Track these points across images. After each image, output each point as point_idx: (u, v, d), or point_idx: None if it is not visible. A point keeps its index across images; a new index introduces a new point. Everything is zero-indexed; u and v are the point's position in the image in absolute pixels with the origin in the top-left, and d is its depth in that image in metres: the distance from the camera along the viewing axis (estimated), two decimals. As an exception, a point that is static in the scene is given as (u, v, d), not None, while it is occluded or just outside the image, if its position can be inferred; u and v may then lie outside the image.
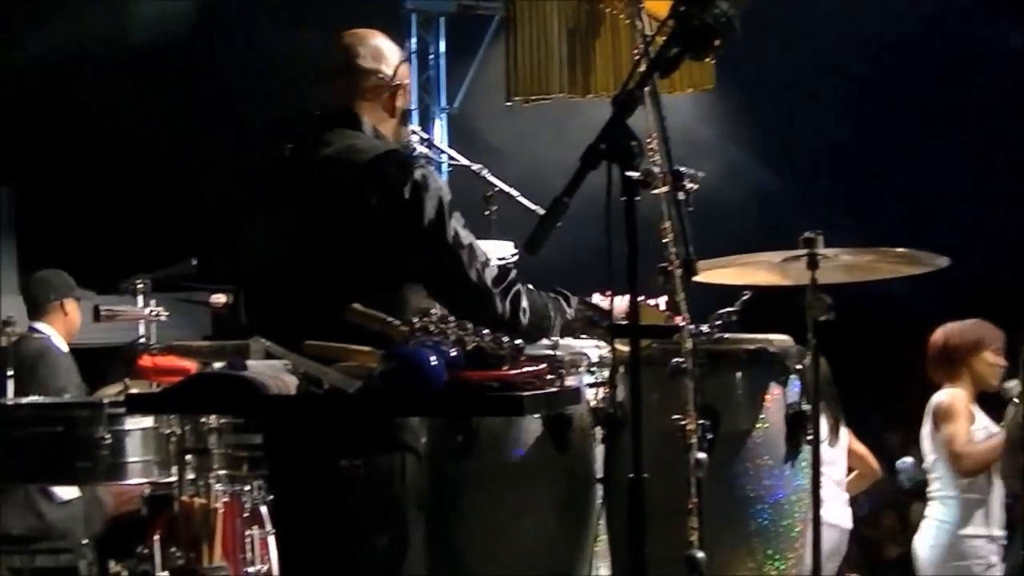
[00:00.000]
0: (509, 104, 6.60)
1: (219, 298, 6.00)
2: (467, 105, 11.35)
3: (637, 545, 2.94)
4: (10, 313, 7.01)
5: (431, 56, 11.49)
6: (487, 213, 5.63)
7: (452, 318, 3.48)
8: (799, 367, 4.20)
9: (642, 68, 3.06)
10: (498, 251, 4.83)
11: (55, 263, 7.49)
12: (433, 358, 3.20)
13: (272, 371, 3.41)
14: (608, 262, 2.98)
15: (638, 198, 2.97)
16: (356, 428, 3.62)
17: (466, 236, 3.92)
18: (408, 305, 3.81)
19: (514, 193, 5.46)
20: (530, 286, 4.06)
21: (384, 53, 4.10)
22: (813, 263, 4.04)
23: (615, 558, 4.24)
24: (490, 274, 3.92)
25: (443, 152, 5.46)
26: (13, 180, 11.69)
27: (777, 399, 4.16)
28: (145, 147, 10.62)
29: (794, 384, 4.20)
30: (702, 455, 3.51)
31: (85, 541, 6.65)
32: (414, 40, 11.39)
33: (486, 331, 3.44)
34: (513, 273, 4.00)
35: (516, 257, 4.89)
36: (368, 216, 3.83)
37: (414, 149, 4.71)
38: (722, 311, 4.17)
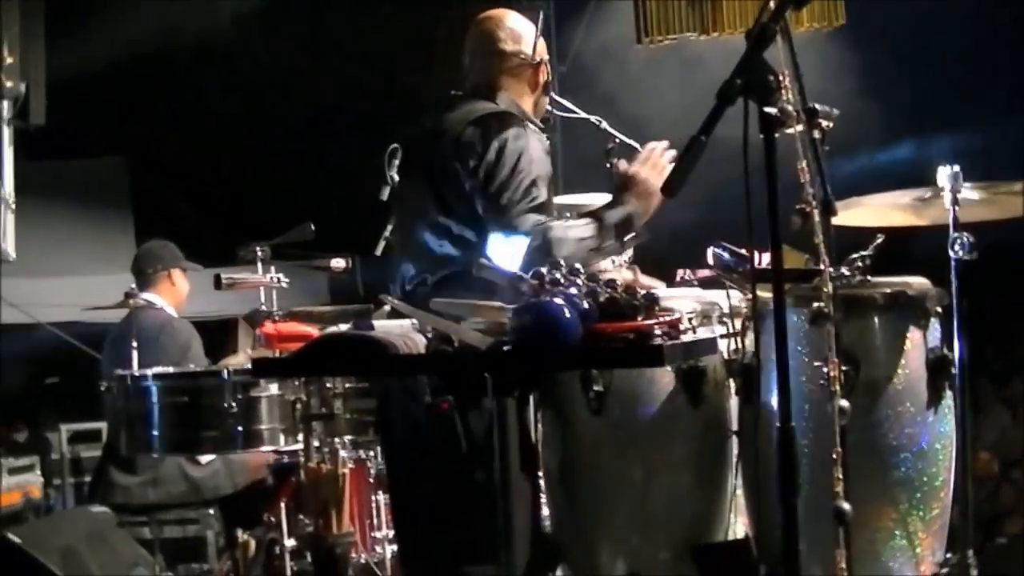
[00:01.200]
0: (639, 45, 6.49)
1: (339, 263, 5.99)
2: (578, 64, 11.24)
3: (788, 497, 2.81)
4: (131, 285, 7.04)
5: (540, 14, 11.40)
6: (608, 166, 5.56)
7: (582, 269, 3.39)
8: (939, 310, 4.03)
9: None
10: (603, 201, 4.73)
11: (171, 234, 7.54)
12: (567, 310, 3.11)
13: (400, 330, 3.35)
14: (746, 204, 2.86)
15: (776, 135, 2.83)
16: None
17: (538, 202, 4.03)
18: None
19: (635, 145, 5.37)
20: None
21: (522, 33, 4.34)
22: (954, 199, 3.87)
23: (752, 513, 4.13)
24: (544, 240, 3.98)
25: (564, 106, 5.37)
26: (128, 151, 11.85)
27: (917, 344, 4.01)
28: (260, 115, 10.67)
29: (935, 328, 4.05)
30: (845, 403, 3.37)
31: (212, 511, 6.70)
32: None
33: (618, 281, 3.35)
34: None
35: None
36: (470, 176, 4.05)
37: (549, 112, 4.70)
38: (855, 255, 4.03)
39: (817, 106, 3.37)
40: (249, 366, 5.52)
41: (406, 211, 4.30)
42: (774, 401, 4.01)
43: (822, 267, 3.32)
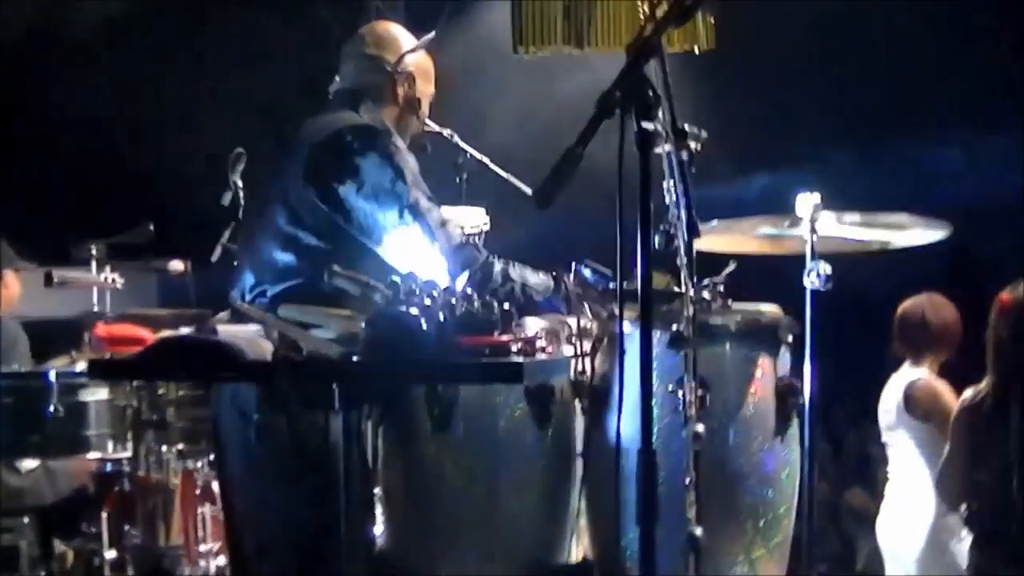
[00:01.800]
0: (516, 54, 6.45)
1: (176, 265, 5.81)
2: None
3: (647, 522, 2.74)
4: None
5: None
6: (458, 180, 5.50)
7: (438, 283, 3.31)
8: (790, 339, 4.03)
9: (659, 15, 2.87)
10: (469, 218, 4.67)
11: (4, 229, 7.24)
12: (423, 322, 3.02)
13: (247, 336, 3.22)
14: (618, 220, 2.79)
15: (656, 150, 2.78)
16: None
17: (428, 208, 3.97)
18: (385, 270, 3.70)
19: (485, 160, 5.30)
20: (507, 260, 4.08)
21: (391, 41, 4.26)
22: (812, 229, 3.86)
23: (595, 536, 4.07)
24: (450, 245, 3.97)
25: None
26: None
27: (767, 371, 4.01)
28: (97, 111, 10.38)
29: (784, 356, 4.05)
30: (701, 427, 3.33)
31: (26, 520, 6.43)
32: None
33: (475, 295, 3.27)
34: (481, 250, 4.05)
35: (487, 225, 4.72)
36: (325, 188, 3.91)
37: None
38: (706, 281, 4.01)
39: (686, 126, 3.34)
40: (77, 369, 5.30)
41: (252, 219, 4.16)
42: (621, 424, 4.02)
43: (683, 289, 3.26)
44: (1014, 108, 9.86)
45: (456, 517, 4.00)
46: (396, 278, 3.31)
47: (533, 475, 3.98)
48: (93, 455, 5.49)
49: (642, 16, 3.15)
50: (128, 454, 5.35)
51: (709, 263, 4.31)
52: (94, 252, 5.77)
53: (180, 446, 5.32)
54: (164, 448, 5.33)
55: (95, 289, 5.69)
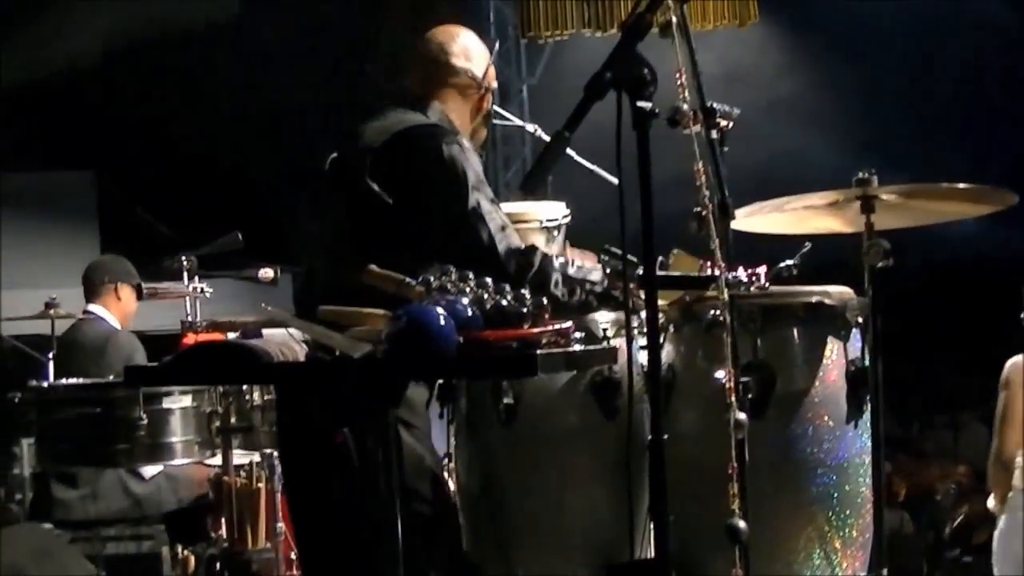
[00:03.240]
0: (516, 51, 6.37)
1: (267, 272, 5.86)
2: (547, 75, 11.11)
3: (658, 514, 2.66)
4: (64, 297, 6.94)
5: (510, 27, 11.29)
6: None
7: (471, 276, 3.25)
8: (860, 320, 3.88)
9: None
10: (549, 211, 4.60)
11: (136, 247, 7.46)
12: (442, 317, 2.96)
13: (281, 339, 3.20)
14: (620, 203, 2.71)
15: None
16: (359, 395, 3.40)
17: (489, 211, 3.87)
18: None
19: (572, 153, 5.23)
20: (567, 258, 3.97)
21: (479, 54, 4.14)
22: (868, 206, 3.71)
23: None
24: (509, 248, 3.85)
25: (497, 113, 5.25)
26: (95, 165, 11.78)
27: (837, 355, 3.87)
28: (222, 125, 10.61)
29: (855, 339, 3.90)
30: (742, 416, 3.22)
31: (162, 527, 6.56)
32: (492, 11, 11.24)
33: (507, 288, 3.20)
34: (539, 251, 3.90)
35: (568, 218, 4.65)
36: (390, 186, 3.83)
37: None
38: (781, 264, 3.89)
39: (715, 105, 3.24)
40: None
41: (321, 220, 4.14)
42: (689, 415, 3.94)
43: (717, 273, 3.16)
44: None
45: (526, 513, 3.98)
46: (430, 274, 3.26)
47: (602, 469, 3.92)
48: (180, 461, 5.57)
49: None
50: (217, 460, 5.41)
51: (780, 245, 4.21)
52: (185, 263, 5.85)
53: (267, 450, 5.36)
54: (251, 453, 5.37)
55: (186, 300, 5.78)
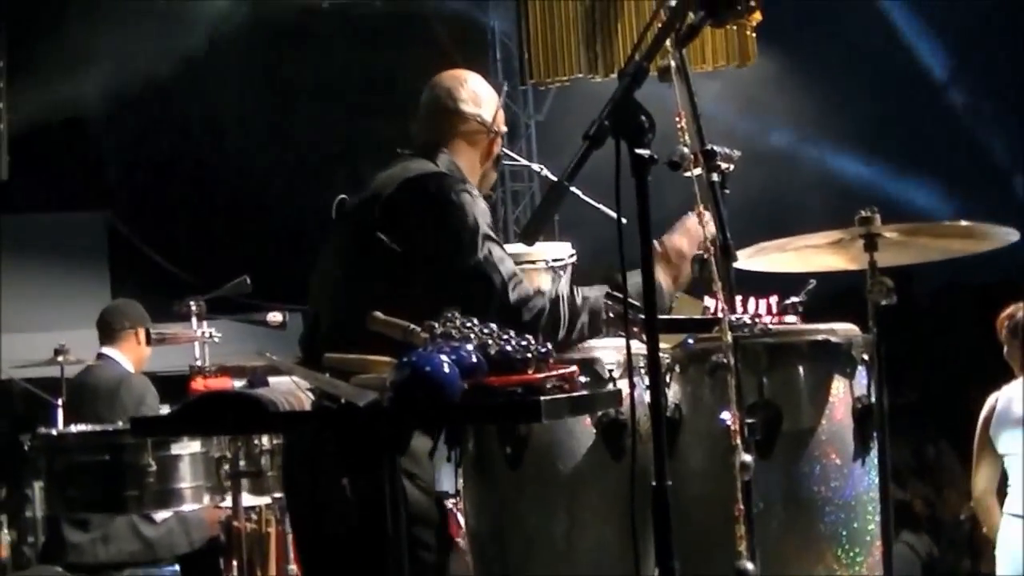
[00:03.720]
0: (523, 88, 6.42)
1: (275, 317, 5.88)
2: (554, 112, 11.16)
3: (663, 560, 2.66)
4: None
5: (516, 65, 11.34)
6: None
7: (476, 321, 3.26)
8: (866, 358, 3.89)
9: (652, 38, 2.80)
10: (554, 252, 4.61)
11: (147, 289, 7.50)
12: (447, 364, 2.97)
13: (287, 387, 3.22)
14: (619, 247, 2.73)
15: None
16: (363, 445, 3.40)
17: (501, 258, 3.85)
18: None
19: (577, 192, 5.24)
20: (569, 290, 3.95)
21: (487, 99, 4.12)
22: (871, 244, 3.72)
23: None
24: (519, 296, 3.83)
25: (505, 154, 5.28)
26: (108, 206, 11.85)
27: (843, 393, 3.88)
28: (236, 169, 10.66)
29: (861, 376, 3.90)
30: (747, 457, 3.22)
31: (175, 568, 6.57)
32: (499, 50, 11.31)
33: (512, 333, 3.21)
34: (543, 297, 3.88)
35: (574, 258, 4.66)
36: (398, 234, 3.81)
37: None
38: (787, 301, 3.91)
39: (716, 148, 3.26)
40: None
41: (327, 267, 4.13)
42: (695, 455, 3.94)
43: (721, 315, 3.17)
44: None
45: (535, 555, 3.97)
46: (434, 321, 3.27)
47: (611, 510, 3.92)
48: (190, 507, 5.58)
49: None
50: (226, 505, 5.42)
51: (787, 281, 4.22)
52: (193, 308, 5.88)
53: (277, 495, 5.37)
54: (261, 497, 5.37)
55: (195, 343, 5.80)
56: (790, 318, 4.13)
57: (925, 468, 11.56)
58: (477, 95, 4.12)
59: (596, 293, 3.93)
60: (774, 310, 3.92)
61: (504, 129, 4.18)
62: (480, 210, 3.89)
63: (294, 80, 10.76)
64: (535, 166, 5.34)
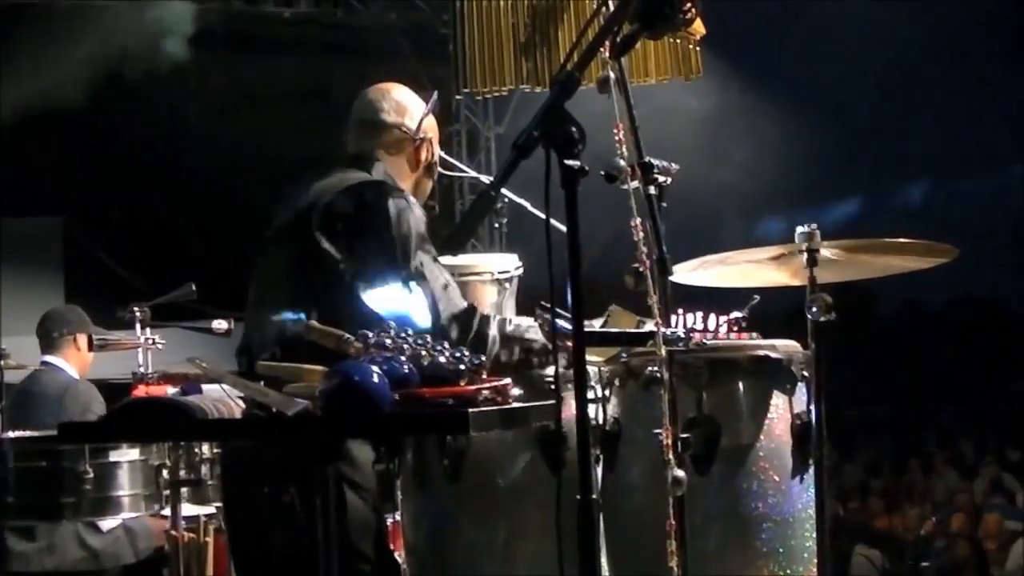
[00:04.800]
0: (459, 97, 6.40)
1: (220, 324, 5.82)
2: (514, 124, 11.16)
3: (588, 570, 2.64)
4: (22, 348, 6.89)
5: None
6: (496, 226, 5.46)
7: (410, 332, 3.23)
8: (806, 374, 3.87)
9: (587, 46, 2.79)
10: (501, 264, 4.59)
11: (102, 294, 7.41)
12: (376, 374, 2.95)
13: (218, 395, 3.19)
14: (548, 260, 2.71)
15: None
16: (298, 453, 3.38)
17: (432, 270, 3.86)
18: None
19: (526, 204, 5.23)
20: (503, 317, 4.02)
21: (407, 107, 4.17)
22: (811, 260, 3.71)
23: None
24: (450, 311, 3.84)
25: (451, 163, 5.25)
26: (63, 212, 11.76)
27: (783, 409, 3.87)
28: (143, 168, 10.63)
29: (801, 392, 3.89)
30: (680, 473, 3.21)
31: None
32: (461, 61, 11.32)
33: (445, 345, 3.19)
34: (479, 313, 3.90)
35: (520, 270, 4.64)
36: (337, 242, 3.83)
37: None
38: (729, 316, 3.90)
39: (653, 161, 3.24)
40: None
41: (265, 276, 4.10)
42: (634, 469, 3.92)
43: (654, 329, 3.15)
44: None
45: (475, 567, 3.95)
46: (368, 331, 3.24)
47: (549, 522, 3.87)
48: (127, 515, 5.51)
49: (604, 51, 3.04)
50: (165, 513, 5.36)
51: (730, 297, 4.21)
52: (138, 314, 5.82)
53: (216, 504, 5.31)
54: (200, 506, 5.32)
55: (139, 350, 5.74)
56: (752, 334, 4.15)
57: (883, 482, 11.64)
58: (400, 104, 4.17)
59: (534, 332, 3.94)
60: (723, 325, 3.91)
61: (429, 135, 4.19)
62: (416, 218, 3.89)
63: (253, 89, 10.73)
64: (486, 178, 5.33)
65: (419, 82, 4.79)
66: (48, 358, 6.91)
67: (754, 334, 3.98)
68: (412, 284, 3.82)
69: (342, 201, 3.89)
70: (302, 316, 3.67)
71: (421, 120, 4.15)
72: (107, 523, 6.22)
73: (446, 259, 4.12)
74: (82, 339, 6.94)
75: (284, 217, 4.06)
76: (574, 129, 2.64)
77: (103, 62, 10.06)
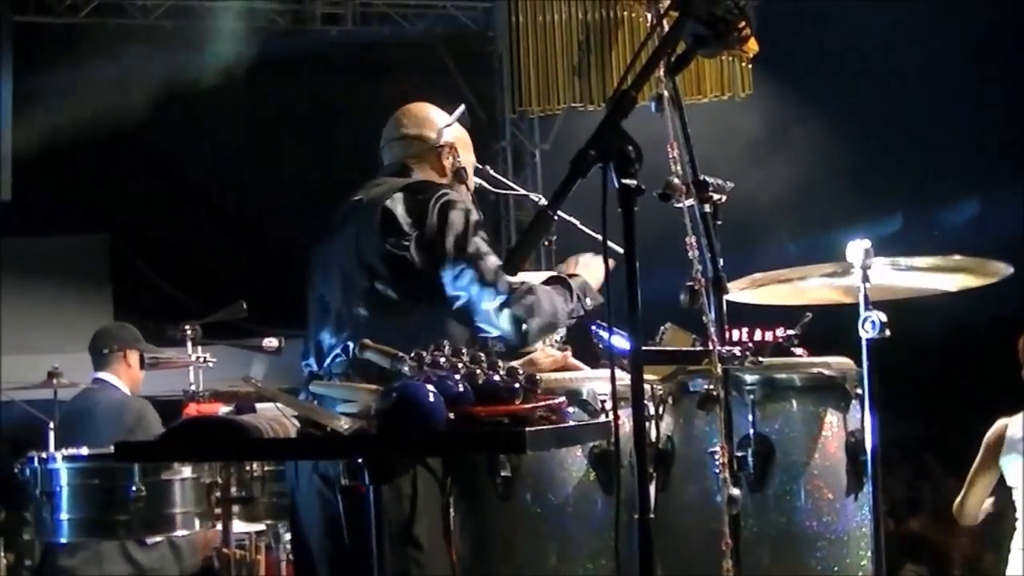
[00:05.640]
0: (514, 115, 6.41)
1: (271, 342, 5.84)
2: (560, 141, 11.15)
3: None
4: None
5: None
6: (546, 243, 5.46)
7: (465, 350, 3.23)
8: (859, 392, 3.85)
9: (641, 67, 2.78)
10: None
11: (150, 312, 7.45)
12: (432, 393, 2.94)
13: (276, 415, 3.19)
14: (605, 279, 2.70)
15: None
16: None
17: (486, 250, 3.93)
18: (451, 338, 3.65)
19: (575, 222, 5.24)
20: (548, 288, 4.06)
21: (427, 119, 4.33)
22: (864, 276, 3.69)
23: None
24: (504, 282, 3.88)
25: (499, 181, 5.26)
26: (111, 228, 11.84)
27: (837, 427, 3.85)
28: (239, 190, 10.66)
29: (855, 410, 3.87)
30: (736, 491, 3.19)
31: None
32: (505, 77, 11.32)
33: (500, 363, 3.19)
34: (527, 287, 3.94)
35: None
36: (400, 229, 3.92)
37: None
38: (783, 334, 3.89)
39: (708, 179, 3.23)
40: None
41: (328, 280, 4.14)
42: (687, 488, 3.91)
43: (711, 347, 3.14)
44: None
45: (529, 587, 3.94)
46: (423, 349, 3.24)
47: (604, 542, 3.89)
48: (181, 533, 5.53)
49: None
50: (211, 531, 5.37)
51: (784, 314, 4.20)
52: (189, 332, 5.85)
53: (268, 522, 5.33)
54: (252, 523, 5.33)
55: (190, 368, 5.77)
56: (798, 351, 4.14)
57: (925, 500, 11.55)
58: (418, 117, 4.33)
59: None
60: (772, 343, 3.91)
61: (451, 141, 4.30)
62: (470, 206, 4.02)
63: (300, 109, 10.78)
64: (534, 196, 5.33)
65: (464, 98, 4.83)
66: (100, 375, 6.95)
67: (801, 351, 3.98)
68: (470, 272, 3.87)
69: (400, 199, 4.00)
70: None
71: (442, 129, 4.28)
72: (153, 537, 6.26)
73: None
74: (133, 356, 6.98)
75: (346, 220, 4.11)
76: (630, 148, 2.63)
77: (152, 82, 10.14)
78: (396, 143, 4.30)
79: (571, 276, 4.20)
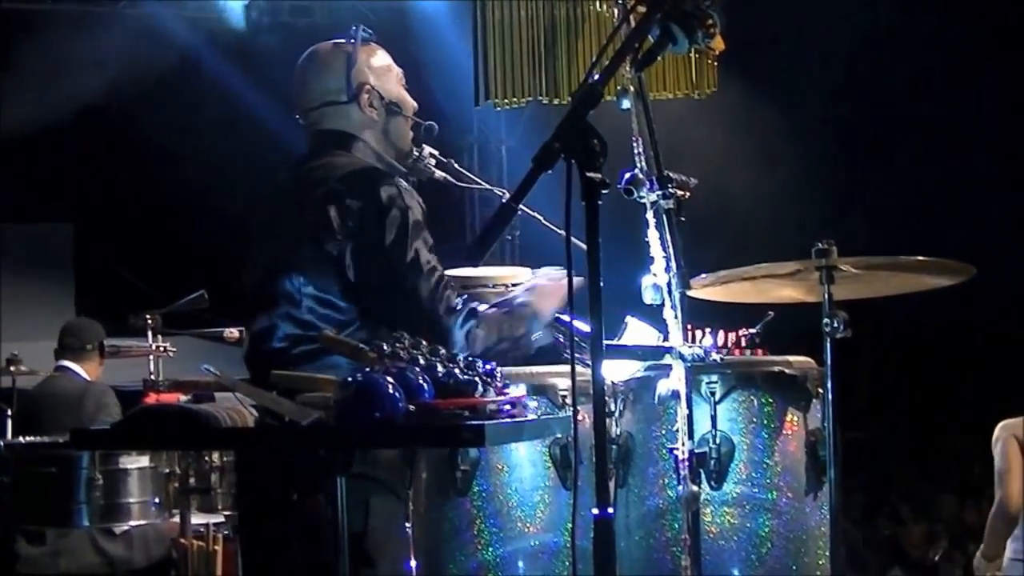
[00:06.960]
0: (477, 107, 6.39)
1: (232, 332, 5.79)
2: (526, 136, 11.12)
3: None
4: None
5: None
6: (509, 238, 5.44)
7: (425, 343, 3.21)
8: (821, 391, 3.86)
9: (608, 61, 2.77)
10: (511, 277, 4.57)
11: (112, 302, 7.43)
12: (391, 385, 2.93)
13: (234, 404, 3.16)
14: (568, 275, 2.69)
15: (600, 202, 2.64)
16: (318, 460, 3.33)
17: (427, 259, 3.70)
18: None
19: (538, 217, 5.21)
20: (494, 309, 3.84)
21: (328, 70, 3.97)
22: (827, 276, 3.69)
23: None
24: (445, 300, 3.70)
25: (465, 175, 5.21)
26: (74, 217, 11.76)
27: (797, 426, 3.85)
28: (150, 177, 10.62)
29: (816, 409, 3.88)
30: (695, 488, 3.19)
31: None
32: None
33: (460, 356, 3.17)
34: (473, 303, 3.77)
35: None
36: (333, 234, 3.68)
37: (431, 172, 4.40)
38: (744, 332, 3.89)
39: (671, 174, 3.22)
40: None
41: (275, 262, 3.84)
42: (648, 485, 3.90)
43: (672, 344, 3.13)
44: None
45: (484, 580, 3.93)
46: (383, 341, 3.22)
47: (564, 537, 3.88)
48: (136, 522, 5.49)
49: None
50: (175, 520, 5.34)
51: (746, 312, 4.19)
52: (150, 321, 5.81)
53: (226, 513, 5.30)
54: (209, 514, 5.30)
55: (150, 358, 5.73)
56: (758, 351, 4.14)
57: (911, 505, 11.60)
58: (320, 75, 3.98)
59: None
60: (734, 342, 3.91)
61: (362, 81, 3.94)
62: (409, 208, 3.73)
63: (267, 98, 10.70)
64: (498, 190, 5.30)
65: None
66: (65, 363, 6.93)
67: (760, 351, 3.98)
68: (406, 279, 3.68)
69: (328, 199, 3.72)
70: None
71: (350, 72, 3.93)
72: (121, 527, 6.21)
73: (458, 271, 4.08)
74: (97, 353, 6.99)
75: (282, 212, 3.91)
76: (596, 142, 2.62)
77: (115, 69, 10.06)
78: (312, 113, 3.98)
79: (522, 304, 3.94)
